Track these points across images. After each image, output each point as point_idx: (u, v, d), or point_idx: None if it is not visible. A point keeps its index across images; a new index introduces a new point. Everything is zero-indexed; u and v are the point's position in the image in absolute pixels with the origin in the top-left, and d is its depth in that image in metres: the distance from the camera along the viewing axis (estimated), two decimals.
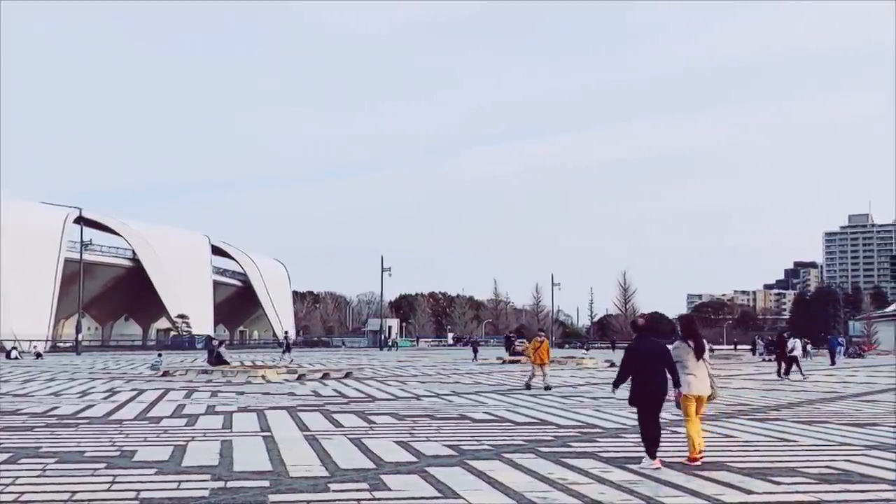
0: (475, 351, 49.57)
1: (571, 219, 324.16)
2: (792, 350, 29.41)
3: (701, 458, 9.55)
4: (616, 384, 10.09)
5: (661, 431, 9.65)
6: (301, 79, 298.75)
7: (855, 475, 8.82)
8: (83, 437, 11.83)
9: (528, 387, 22.47)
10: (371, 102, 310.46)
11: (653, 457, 9.29)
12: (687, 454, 9.64)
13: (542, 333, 24.84)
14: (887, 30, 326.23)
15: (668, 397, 9.66)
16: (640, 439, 9.71)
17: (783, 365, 29.12)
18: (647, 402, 9.46)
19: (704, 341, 9.98)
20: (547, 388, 21.95)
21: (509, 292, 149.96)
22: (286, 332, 74.22)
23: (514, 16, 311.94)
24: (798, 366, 29.31)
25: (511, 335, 70.01)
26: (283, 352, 58.00)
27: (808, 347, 66.87)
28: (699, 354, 9.80)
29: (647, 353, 9.58)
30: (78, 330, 63.48)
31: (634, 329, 10.11)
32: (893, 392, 22.40)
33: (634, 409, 9.68)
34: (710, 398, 10.00)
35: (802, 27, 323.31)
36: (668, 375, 9.53)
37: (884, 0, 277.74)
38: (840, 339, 60.07)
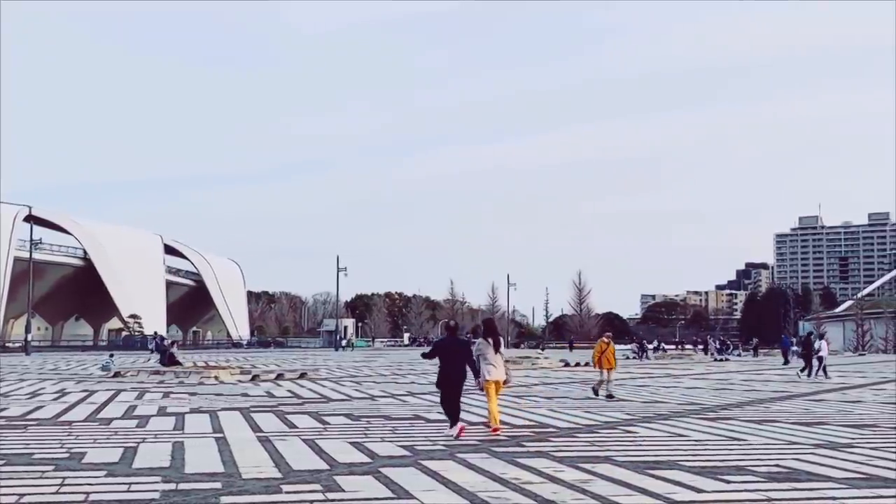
0: None
1: (527, 219, 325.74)
2: (819, 351, 29.85)
3: (500, 429, 12.26)
4: (424, 356, 12.99)
5: (460, 408, 12.31)
6: (257, 76, 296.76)
7: (803, 474, 8.96)
8: (32, 438, 11.64)
9: (596, 392, 19.80)
10: (327, 101, 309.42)
11: (453, 424, 11.87)
12: (491, 427, 12.31)
13: (609, 335, 21.20)
14: (836, 34, 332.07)
15: (480, 381, 12.45)
16: (592, 439, 10.38)
17: (811, 364, 29.70)
18: (449, 385, 12.07)
19: (501, 338, 12.93)
20: (610, 396, 19.25)
21: (465, 292, 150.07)
22: (155, 332, 71.82)
23: (473, 17, 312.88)
24: (820, 365, 29.63)
25: (467, 335, 70.10)
26: (153, 351, 56.80)
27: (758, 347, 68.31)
28: (497, 349, 12.59)
29: (452, 348, 12.24)
30: (27, 330, 62.42)
31: (446, 329, 13.11)
32: (841, 391, 22.80)
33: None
34: (505, 382, 12.96)
35: (753, 32, 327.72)
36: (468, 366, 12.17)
37: (835, 1, 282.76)
38: (792, 339, 61.01)
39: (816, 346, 29.97)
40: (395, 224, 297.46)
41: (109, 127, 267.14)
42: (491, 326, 13.01)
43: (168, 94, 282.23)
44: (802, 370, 30.02)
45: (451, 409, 12.05)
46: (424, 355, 12.97)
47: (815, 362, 29.47)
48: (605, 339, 20.47)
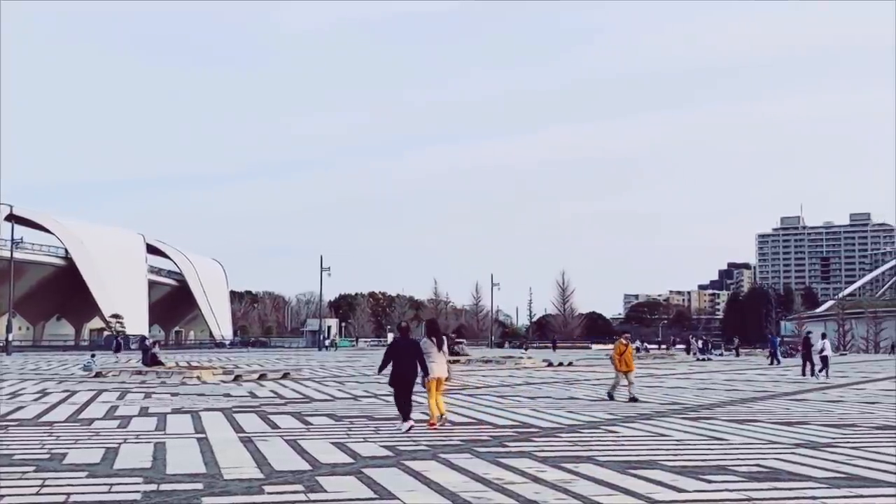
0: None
1: (511, 219, 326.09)
2: (822, 350, 30.00)
3: (437, 424, 12.95)
4: (380, 370, 13.64)
5: (412, 404, 13.07)
6: (242, 75, 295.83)
7: (784, 473, 9.01)
8: (12, 439, 11.57)
9: (611, 397, 18.96)
10: (312, 100, 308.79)
11: (405, 420, 12.62)
12: (429, 421, 13.04)
13: (627, 336, 20.62)
14: (815, 35, 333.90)
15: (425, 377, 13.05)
16: (574, 439, 10.46)
17: (809, 364, 29.93)
18: (401, 383, 12.83)
19: (444, 338, 13.73)
20: (633, 399, 18.37)
21: (449, 292, 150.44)
22: (114, 331, 71.02)
23: (456, 18, 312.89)
24: (825, 365, 29.79)
25: (451, 335, 70.60)
26: (115, 351, 56.53)
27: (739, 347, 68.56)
28: (440, 347, 13.37)
29: (403, 347, 13.04)
30: (8, 330, 61.91)
31: (399, 330, 14.11)
32: (822, 391, 22.93)
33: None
34: (447, 379, 13.89)
35: (733, 33, 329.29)
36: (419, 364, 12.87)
37: (812, 1, 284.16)
38: (779, 339, 61.14)
39: (819, 345, 30.15)
40: (380, 224, 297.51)
41: (92, 126, 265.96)
42: (434, 327, 13.91)
43: (152, 93, 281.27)
44: (805, 371, 30.15)
45: (406, 405, 12.84)
46: (381, 367, 13.48)
47: (817, 361, 29.68)
48: (624, 341, 19.70)
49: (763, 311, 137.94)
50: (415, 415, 13.27)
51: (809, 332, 35.76)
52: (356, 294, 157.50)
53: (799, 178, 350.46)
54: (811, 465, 9.52)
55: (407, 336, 13.49)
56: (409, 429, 12.41)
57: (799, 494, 7.85)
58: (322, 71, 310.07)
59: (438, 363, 13.29)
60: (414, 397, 13.33)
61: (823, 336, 31.94)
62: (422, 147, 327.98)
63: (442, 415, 13.25)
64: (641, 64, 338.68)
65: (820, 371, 29.37)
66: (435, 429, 12.73)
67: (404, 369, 12.83)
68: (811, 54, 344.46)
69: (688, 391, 22.54)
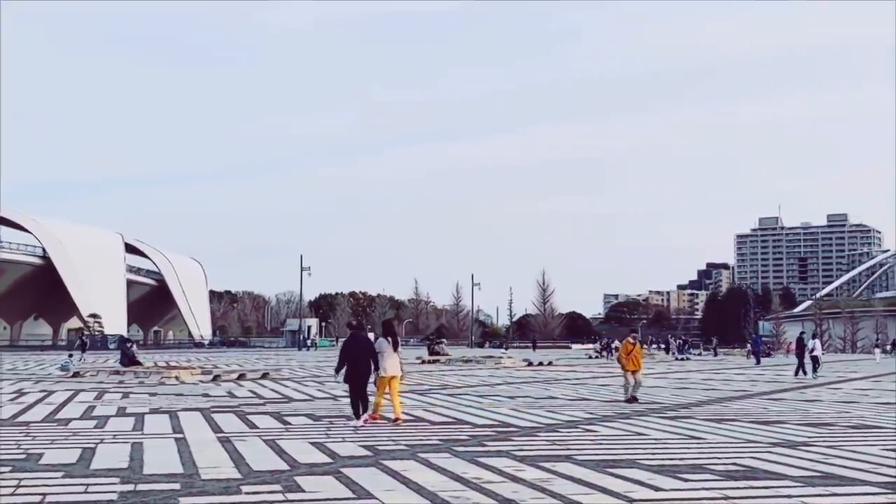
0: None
1: (492, 219, 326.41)
2: (813, 350, 30.35)
3: (374, 419, 13.50)
4: (337, 370, 13.98)
5: (367, 400, 13.63)
6: (221, 74, 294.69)
7: (760, 472, 9.07)
8: None
9: (633, 399, 18.10)
10: (292, 100, 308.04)
11: (357, 417, 13.33)
12: (371, 414, 13.60)
13: (635, 335, 20.07)
14: (792, 37, 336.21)
15: (376, 375, 13.54)
16: (553, 438, 10.55)
17: (803, 364, 30.22)
18: (356, 380, 13.48)
19: (399, 339, 14.27)
20: (633, 398, 18.10)
21: (430, 292, 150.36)
22: (83, 330, 70.08)
23: (430, 18, 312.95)
24: (816, 365, 30.22)
25: (431, 336, 71.19)
26: (81, 351, 56.02)
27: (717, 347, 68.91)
28: (395, 347, 13.82)
29: (357, 346, 13.67)
30: None
31: (349, 328, 14.70)
32: (799, 391, 23.10)
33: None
34: (401, 378, 14.19)
35: (717, 34, 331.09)
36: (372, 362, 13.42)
37: (788, 1, 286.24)
38: (763, 338, 61.45)
39: (810, 345, 30.52)
40: (360, 223, 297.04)
41: (71, 126, 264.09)
42: (389, 328, 14.61)
43: (131, 92, 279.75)
44: (799, 371, 30.41)
45: (359, 401, 13.53)
46: (338, 368, 13.89)
47: (808, 361, 30.05)
48: (632, 340, 19.20)
49: (741, 311, 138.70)
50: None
51: (803, 333, 36.09)
52: (336, 294, 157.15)
53: (777, 179, 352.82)
54: (787, 464, 9.59)
55: (358, 334, 14.09)
56: (366, 422, 13.17)
57: (775, 493, 7.91)
58: (303, 70, 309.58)
59: (392, 362, 13.77)
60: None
61: (815, 336, 32.32)
62: (403, 147, 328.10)
63: (397, 418, 13.60)
64: (621, 65, 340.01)
65: (813, 370, 29.79)
66: (374, 422, 13.38)
67: (359, 367, 13.46)
68: (788, 55, 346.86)
69: (666, 390, 22.64)
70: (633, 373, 18.43)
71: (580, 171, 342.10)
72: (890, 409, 17.30)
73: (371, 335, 18.22)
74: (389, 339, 13.85)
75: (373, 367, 13.56)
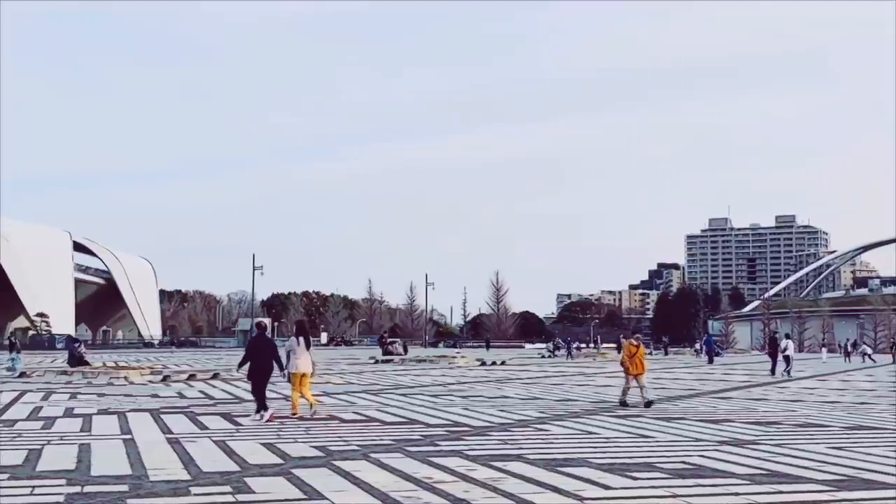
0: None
1: (446, 220, 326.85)
2: (785, 350, 30.81)
3: (296, 415, 14.27)
4: (240, 365, 15.05)
5: (267, 395, 14.56)
6: (171, 70, 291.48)
7: (707, 470, 9.19)
8: None
9: (624, 404, 17.23)
10: (243, 97, 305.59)
11: (258, 412, 14.02)
12: (291, 411, 14.51)
13: (638, 337, 19.21)
14: (741, 40, 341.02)
15: (286, 372, 14.48)
16: (505, 437, 10.59)
17: (776, 363, 30.67)
18: (258, 376, 14.33)
19: (310, 338, 15.03)
20: (649, 403, 17.13)
21: (384, 292, 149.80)
22: (14, 331, 68.54)
23: (389, 18, 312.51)
24: (789, 364, 30.81)
25: (385, 334, 71.20)
26: (10, 352, 54.77)
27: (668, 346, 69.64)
28: (308, 346, 14.62)
29: (260, 345, 14.51)
30: None
31: (258, 328, 15.49)
32: (746, 389, 23.44)
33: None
34: (311, 375, 14.83)
35: (662, 38, 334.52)
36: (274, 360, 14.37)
37: (741, 1, 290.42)
38: (714, 338, 62.19)
39: (782, 345, 31.06)
40: (313, 222, 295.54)
41: (16, 122, 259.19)
42: (302, 327, 15.65)
43: (79, 87, 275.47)
44: (775, 370, 30.95)
45: (262, 397, 14.29)
46: (241, 364, 14.97)
47: (780, 360, 30.64)
48: (634, 342, 18.40)
49: (691, 310, 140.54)
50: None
51: (776, 333, 36.87)
52: (289, 293, 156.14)
53: (727, 180, 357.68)
54: (735, 462, 9.72)
55: (263, 334, 15.07)
56: (271, 417, 13.80)
57: (722, 490, 8.02)
58: (255, 68, 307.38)
59: (303, 360, 14.56)
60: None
61: (787, 336, 32.98)
62: (358, 146, 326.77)
63: (312, 405, 14.55)
64: (578, 66, 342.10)
65: (784, 370, 30.34)
66: (299, 418, 14.11)
67: (261, 363, 14.35)
68: (737, 57, 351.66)
69: (616, 389, 22.76)
70: (637, 376, 17.54)
71: (535, 172, 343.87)
72: (836, 408, 17.64)
73: (324, 336, 18.82)
74: (302, 338, 14.73)
75: (276, 367, 14.43)
